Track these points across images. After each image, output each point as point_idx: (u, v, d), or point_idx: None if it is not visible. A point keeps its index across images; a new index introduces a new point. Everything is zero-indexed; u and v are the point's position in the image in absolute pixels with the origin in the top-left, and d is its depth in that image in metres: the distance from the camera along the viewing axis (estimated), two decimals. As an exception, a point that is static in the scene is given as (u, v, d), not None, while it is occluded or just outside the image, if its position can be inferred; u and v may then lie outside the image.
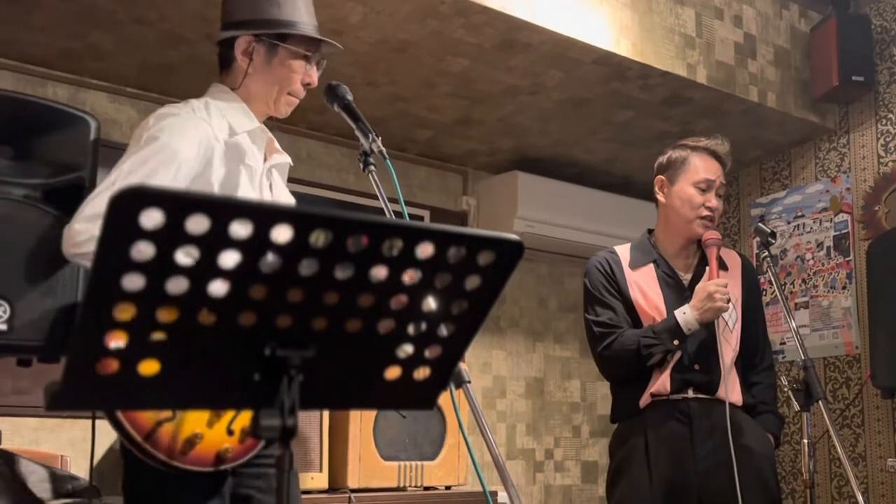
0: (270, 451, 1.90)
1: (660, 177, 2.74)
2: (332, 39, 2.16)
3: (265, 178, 2.10)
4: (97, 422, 3.23)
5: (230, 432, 1.86)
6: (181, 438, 1.81)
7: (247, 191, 2.02)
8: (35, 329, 1.87)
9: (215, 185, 1.95)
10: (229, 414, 1.85)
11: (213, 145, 1.95)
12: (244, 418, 1.86)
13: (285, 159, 2.19)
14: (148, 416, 1.78)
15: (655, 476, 2.51)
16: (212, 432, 1.83)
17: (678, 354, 2.55)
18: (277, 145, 2.18)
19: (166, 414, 1.79)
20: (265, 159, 2.12)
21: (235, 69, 2.10)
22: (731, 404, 2.48)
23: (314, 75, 2.14)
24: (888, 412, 4.11)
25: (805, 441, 2.40)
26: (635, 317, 2.63)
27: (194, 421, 1.82)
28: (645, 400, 2.57)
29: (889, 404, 4.10)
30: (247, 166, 2.02)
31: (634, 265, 2.69)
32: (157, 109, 1.98)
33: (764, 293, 2.91)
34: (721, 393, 2.53)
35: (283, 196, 2.19)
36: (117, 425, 1.78)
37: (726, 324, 2.59)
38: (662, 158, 2.77)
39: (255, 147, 2.07)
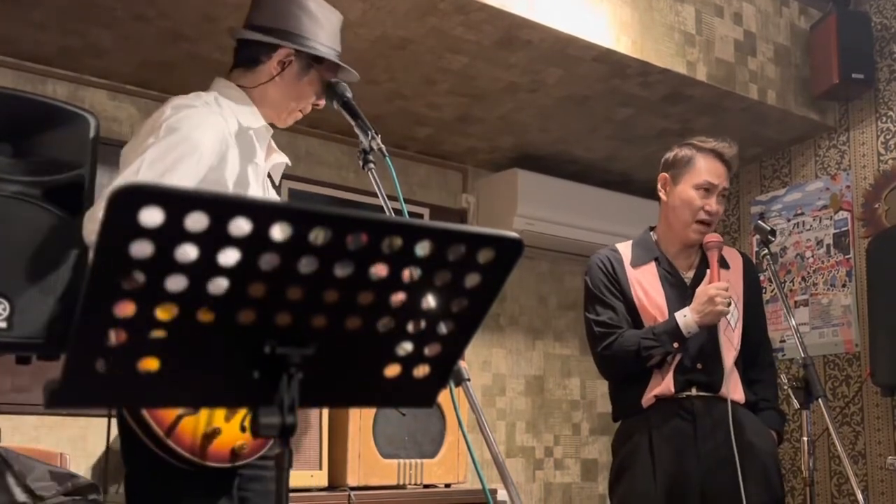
0: (270, 454, 1.92)
1: (664, 174, 2.73)
2: None
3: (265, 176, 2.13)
4: (95, 420, 3.23)
5: (243, 429, 1.86)
6: (200, 433, 1.81)
7: (255, 190, 2.03)
8: (34, 327, 1.86)
9: (229, 181, 1.96)
10: (244, 410, 1.85)
11: (227, 139, 1.97)
12: None
13: (283, 159, 2.21)
14: (169, 411, 1.78)
15: (659, 473, 2.51)
16: (229, 427, 1.84)
17: (679, 356, 2.54)
18: (274, 144, 2.20)
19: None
20: (266, 158, 2.15)
21: (260, 71, 2.12)
22: (733, 402, 2.49)
23: (323, 100, 2.18)
24: (888, 410, 4.11)
25: (805, 439, 2.40)
26: (636, 315, 2.63)
27: (213, 416, 1.82)
28: (648, 400, 2.57)
29: (889, 402, 4.10)
30: (254, 164, 2.05)
31: (636, 263, 2.68)
32: (171, 100, 1.99)
33: (764, 291, 2.91)
34: (724, 391, 2.53)
35: (273, 195, 2.21)
36: (138, 420, 1.78)
37: (728, 323, 2.59)
38: (669, 155, 2.75)
39: (258, 145, 2.09)
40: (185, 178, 1.84)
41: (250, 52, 2.13)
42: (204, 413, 1.81)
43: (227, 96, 2.08)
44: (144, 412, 1.76)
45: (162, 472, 1.83)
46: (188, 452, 1.79)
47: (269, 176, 2.18)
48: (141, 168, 1.83)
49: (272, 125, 2.17)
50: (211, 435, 1.82)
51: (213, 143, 1.93)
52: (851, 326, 4.27)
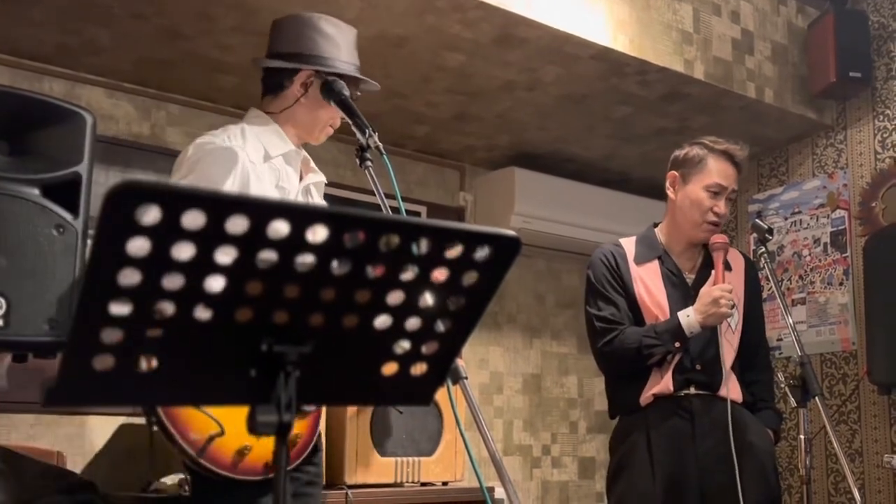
0: (306, 467, 2.03)
1: (673, 172, 2.71)
2: None
3: (301, 197, 2.20)
4: (92, 418, 3.23)
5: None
6: (232, 451, 1.92)
7: None
8: (31, 325, 1.86)
9: None
10: None
11: (248, 169, 2.05)
12: None
13: (320, 178, 2.31)
14: (199, 432, 1.89)
15: (658, 471, 2.51)
16: (260, 444, 1.91)
17: (679, 355, 2.55)
18: (313, 164, 2.30)
19: (215, 429, 1.90)
20: (301, 178, 2.23)
21: (285, 95, 2.23)
22: (731, 401, 2.49)
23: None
24: (885, 408, 4.12)
25: (802, 437, 2.40)
26: (637, 312, 2.62)
27: (242, 434, 1.88)
28: (646, 399, 2.57)
29: (886, 400, 4.10)
30: (280, 188, 2.13)
31: (639, 260, 2.68)
32: (196, 139, 2.10)
33: (761, 289, 2.91)
34: (722, 392, 2.54)
35: None
36: (172, 441, 1.88)
37: (729, 325, 2.59)
38: (679, 154, 2.73)
39: (289, 168, 2.17)
40: None
41: (275, 78, 2.25)
42: (232, 433, 1.90)
43: (256, 125, 2.19)
44: (176, 436, 1.87)
45: (213, 482, 1.94)
46: (225, 470, 1.91)
47: (314, 192, 2.29)
48: None
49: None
50: (243, 451, 1.92)
51: (231, 178, 2.02)
52: (848, 325, 4.27)
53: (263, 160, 2.11)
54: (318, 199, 2.31)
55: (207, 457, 1.88)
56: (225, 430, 1.90)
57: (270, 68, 2.26)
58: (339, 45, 2.25)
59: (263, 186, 2.07)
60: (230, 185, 2.01)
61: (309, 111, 2.23)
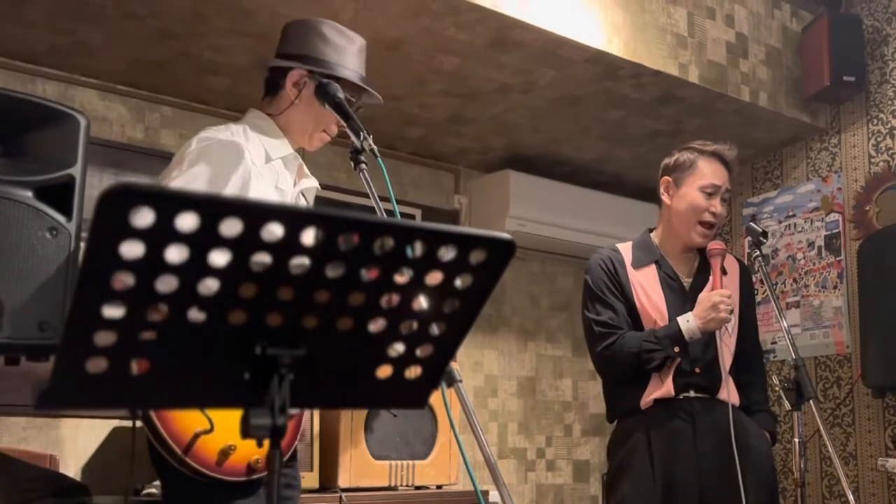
0: (284, 470, 2.01)
1: (666, 178, 2.73)
2: None
3: (295, 201, 2.19)
4: (85, 421, 3.22)
5: (260, 443, 1.90)
6: (217, 450, 1.89)
7: None
8: (24, 327, 1.85)
9: None
10: None
11: (250, 168, 2.03)
12: None
13: (313, 184, 2.28)
14: (186, 429, 1.86)
15: (658, 473, 2.52)
16: (244, 444, 1.88)
17: (678, 360, 2.55)
18: (306, 170, 2.27)
19: (203, 426, 1.88)
20: (295, 184, 2.21)
21: (281, 97, 2.21)
22: (732, 405, 2.50)
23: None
24: (879, 411, 4.12)
25: (796, 440, 2.41)
26: (636, 317, 2.63)
27: (228, 433, 1.89)
28: (647, 403, 2.58)
29: (880, 403, 4.11)
30: (279, 190, 2.11)
31: (637, 265, 2.69)
32: (200, 133, 2.07)
33: (756, 293, 2.92)
34: (722, 395, 2.55)
35: None
36: (158, 438, 1.86)
37: (726, 329, 2.60)
38: (669, 160, 2.75)
39: (287, 172, 2.16)
40: None
41: (272, 78, 2.24)
42: (219, 431, 1.88)
43: (256, 126, 2.16)
44: (163, 432, 1.84)
45: (188, 485, 1.91)
46: (209, 469, 1.88)
47: (304, 199, 2.26)
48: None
49: (302, 150, 2.26)
50: (227, 451, 1.89)
51: (234, 171, 1.99)
52: (843, 328, 4.28)
53: (265, 161, 2.10)
54: (309, 203, 2.29)
55: (192, 455, 1.86)
56: (215, 426, 1.88)
57: (272, 69, 2.24)
58: (342, 50, 2.23)
59: (264, 186, 2.05)
60: (236, 180, 1.98)
61: (302, 113, 2.20)
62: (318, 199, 2.39)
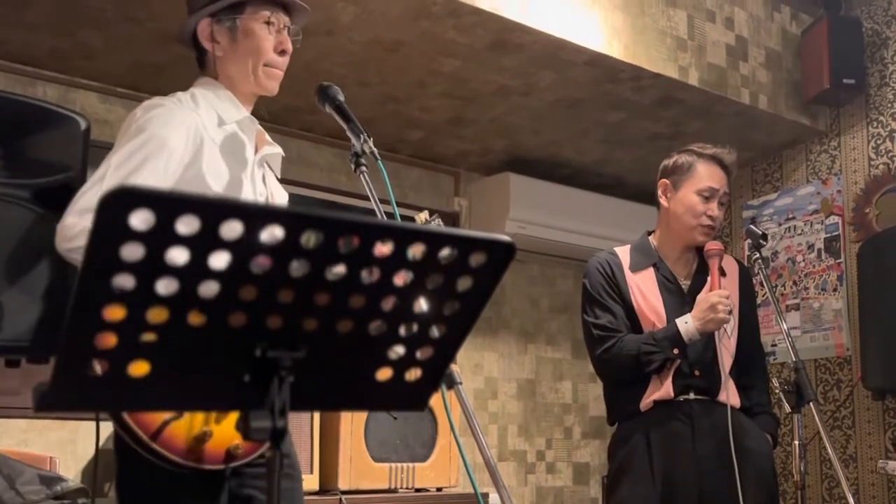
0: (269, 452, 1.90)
1: (664, 180, 2.73)
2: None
3: (257, 168, 2.07)
4: (85, 424, 3.22)
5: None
6: (191, 436, 1.78)
7: (245, 184, 2.00)
8: (23, 329, 1.85)
9: (207, 175, 1.92)
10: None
11: (201, 134, 1.93)
12: None
13: (277, 150, 2.16)
14: (154, 415, 1.75)
15: (658, 475, 2.52)
16: (220, 429, 1.80)
17: (677, 362, 2.55)
18: (268, 137, 2.16)
19: (171, 412, 1.75)
20: (256, 150, 2.09)
21: (209, 59, 2.09)
22: (730, 406, 2.50)
23: (286, 41, 2.08)
24: (879, 413, 4.12)
25: (796, 443, 2.41)
26: (635, 320, 2.63)
27: (203, 418, 1.79)
28: (647, 405, 2.58)
29: (879, 406, 4.11)
30: (241, 157, 2.01)
31: (635, 268, 2.69)
32: (144, 102, 1.97)
33: (756, 295, 2.92)
34: (721, 397, 2.55)
35: (276, 188, 2.17)
36: (122, 425, 1.75)
37: (725, 331, 2.60)
38: (668, 162, 2.75)
39: (244, 137, 2.04)
40: (151, 177, 1.81)
41: (195, 48, 2.11)
42: (192, 416, 1.78)
43: (206, 90, 2.05)
44: (128, 419, 1.73)
45: (151, 475, 1.79)
46: (179, 457, 1.76)
47: (270, 167, 2.14)
48: (107, 173, 1.82)
49: (267, 122, 2.12)
50: (202, 437, 1.78)
51: (182, 137, 1.89)
52: (842, 330, 4.28)
53: (218, 125, 1.98)
54: (273, 173, 2.16)
55: (162, 441, 1.74)
56: (183, 412, 1.76)
57: (191, 40, 2.10)
58: None
59: (216, 157, 1.94)
60: (183, 145, 1.88)
61: (231, 62, 2.05)
62: (318, 201, 2.36)
